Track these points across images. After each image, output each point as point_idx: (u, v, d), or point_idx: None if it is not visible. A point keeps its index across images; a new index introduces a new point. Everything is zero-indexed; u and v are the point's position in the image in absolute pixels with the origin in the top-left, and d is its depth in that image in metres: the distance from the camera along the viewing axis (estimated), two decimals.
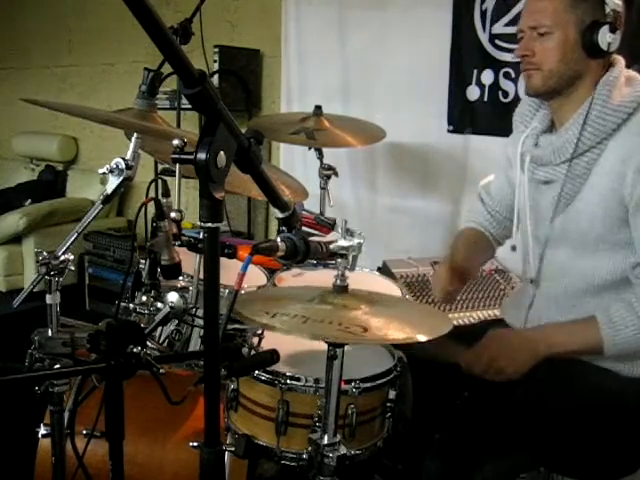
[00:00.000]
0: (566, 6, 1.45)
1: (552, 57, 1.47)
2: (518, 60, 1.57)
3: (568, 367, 1.50)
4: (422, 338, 1.09)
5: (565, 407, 1.43)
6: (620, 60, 1.51)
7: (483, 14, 2.68)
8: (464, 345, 1.55)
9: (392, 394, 1.50)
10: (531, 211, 1.64)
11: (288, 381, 1.42)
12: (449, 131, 2.84)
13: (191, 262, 1.39)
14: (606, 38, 1.43)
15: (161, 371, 1.04)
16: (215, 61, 3.35)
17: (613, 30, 1.43)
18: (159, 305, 1.35)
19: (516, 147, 1.64)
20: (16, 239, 4.15)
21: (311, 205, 1.87)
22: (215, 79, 3.37)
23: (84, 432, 1.30)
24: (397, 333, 1.11)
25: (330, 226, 1.55)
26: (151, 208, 1.27)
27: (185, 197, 3.53)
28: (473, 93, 2.76)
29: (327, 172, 2.52)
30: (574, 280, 1.53)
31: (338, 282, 1.20)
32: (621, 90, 1.46)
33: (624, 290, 1.47)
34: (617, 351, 1.45)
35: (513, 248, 1.72)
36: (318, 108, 2.45)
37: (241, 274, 1.02)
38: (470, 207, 1.91)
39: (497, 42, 2.65)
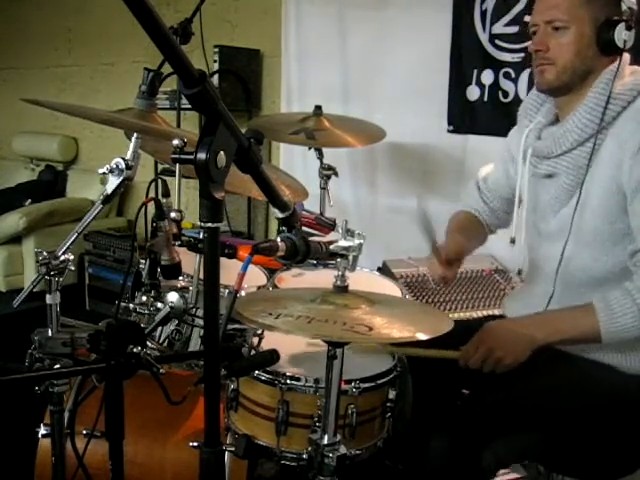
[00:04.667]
0: (582, 1, 1.45)
1: (567, 52, 1.47)
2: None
3: (568, 364, 1.49)
4: (425, 337, 1.09)
5: (564, 405, 1.43)
6: (625, 55, 1.50)
7: (483, 14, 2.68)
8: (462, 340, 1.54)
9: (392, 394, 1.50)
10: (533, 205, 1.64)
11: (288, 381, 1.42)
12: (449, 131, 2.84)
13: (191, 262, 1.39)
14: (622, 35, 1.43)
15: (161, 371, 1.05)
16: (215, 61, 3.35)
17: (629, 28, 1.43)
18: (159, 305, 1.36)
19: (519, 141, 1.64)
20: (16, 239, 4.15)
21: (311, 205, 1.87)
22: (215, 79, 3.37)
23: (84, 432, 1.30)
24: (401, 332, 1.11)
25: (331, 226, 1.55)
26: (151, 208, 1.28)
27: (185, 197, 3.52)
28: (473, 93, 2.76)
29: (327, 172, 2.52)
30: (575, 273, 1.53)
31: (339, 282, 1.20)
32: (623, 80, 1.47)
33: (624, 281, 1.46)
34: (614, 339, 1.43)
35: (512, 241, 1.71)
36: (318, 108, 2.45)
37: (241, 274, 1.02)
38: (467, 191, 1.92)
39: (497, 42, 2.65)
